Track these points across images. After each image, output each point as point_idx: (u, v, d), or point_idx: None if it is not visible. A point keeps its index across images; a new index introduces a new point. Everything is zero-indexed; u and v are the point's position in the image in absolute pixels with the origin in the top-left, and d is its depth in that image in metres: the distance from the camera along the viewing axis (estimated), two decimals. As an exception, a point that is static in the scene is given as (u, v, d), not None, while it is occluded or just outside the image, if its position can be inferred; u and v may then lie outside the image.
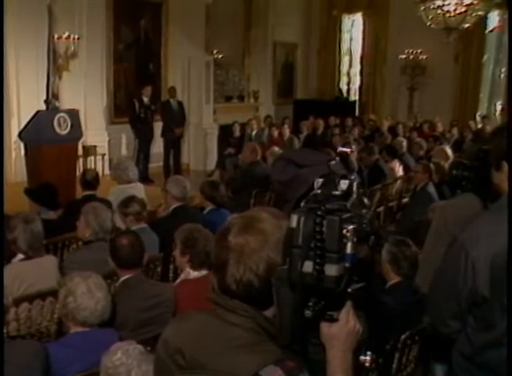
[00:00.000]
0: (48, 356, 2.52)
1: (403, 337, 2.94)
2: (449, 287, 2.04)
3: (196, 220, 4.23)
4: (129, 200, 4.58)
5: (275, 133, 11.18)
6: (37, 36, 8.43)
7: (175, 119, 10.51)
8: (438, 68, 14.26)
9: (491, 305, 1.94)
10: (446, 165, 6.44)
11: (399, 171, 8.17)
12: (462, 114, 14.06)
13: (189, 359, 1.31)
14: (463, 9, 11.06)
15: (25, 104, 8.56)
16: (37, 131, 6.96)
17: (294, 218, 1.23)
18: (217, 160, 11.42)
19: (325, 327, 1.27)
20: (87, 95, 9.71)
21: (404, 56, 14.54)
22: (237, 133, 11.39)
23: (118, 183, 5.83)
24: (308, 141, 10.94)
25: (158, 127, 10.47)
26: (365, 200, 1.32)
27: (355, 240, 1.20)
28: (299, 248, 1.21)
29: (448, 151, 7.49)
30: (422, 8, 11.34)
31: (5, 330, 2.97)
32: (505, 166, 2.03)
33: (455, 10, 11.05)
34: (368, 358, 1.31)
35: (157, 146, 10.60)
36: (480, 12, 11.41)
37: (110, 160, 9.95)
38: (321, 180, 1.30)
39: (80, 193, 5.87)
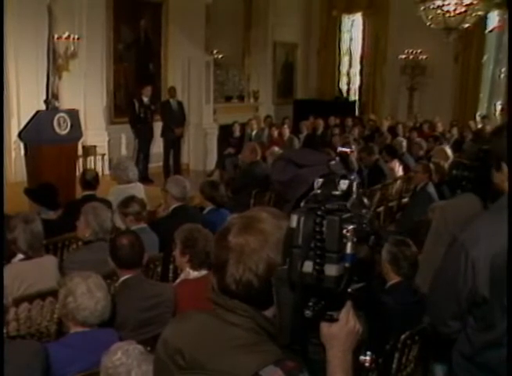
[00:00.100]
0: (48, 356, 2.52)
1: (403, 337, 2.94)
2: (449, 287, 2.04)
3: (195, 220, 4.23)
4: (129, 200, 4.58)
5: (275, 133, 11.18)
6: (37, 36, 8.43)
7: (175, 119, 10.51)
8: (438, 68, 14.26)
9: (491, 305, 1.94)
10: (446, 165, 6.43)
11: (399, 171, 8.17)
12: (462, 114, 14.06)
13: (189, 359, 1.31)
14: (463, 9, 11.06)
15: (25, 104, 8.56)
16: (37, 131, 6.96)
17: (294, 218, 1.23)
18: (217, 160, 11.41)
19: (325, 327, 1.27)
20: (87, 95, 9.71)
21: (404, 56, 14.55)
22: (237, 133, 11.39)
23: (118, 183, 5.83)
24: (308, 141, 10.94)
25: (158, 127, 10.47)
26: (365, 200, 1.32)
27: (354, 240, 1.20)
28: (299, 248, 1.21)
29: (448, 151, 7.50)
30: (422, 8, 11.34)
31: (5, 330, 2.98)
32: (504, 167, 2.03)
33: (455, 10, 11.05)
34: (368, 358, 1.31)
35: (157, 146, 10.60)
36: (480, 12, 11.41)
37: (110, 160, 9.95)
38: (321, 180, 1.30)
39: (80, 193, 5.87)
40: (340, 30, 16.08)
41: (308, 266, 1.20)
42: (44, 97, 7.46)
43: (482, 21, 13.05)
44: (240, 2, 13.73)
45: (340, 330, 1.27)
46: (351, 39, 16.28)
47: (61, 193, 5.33)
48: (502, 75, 14.10)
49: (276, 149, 7.81)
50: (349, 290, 1.24)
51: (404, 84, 14.93)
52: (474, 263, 1.94)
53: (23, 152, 7.45)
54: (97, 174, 5.93)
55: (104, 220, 4.14)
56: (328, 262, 1.19)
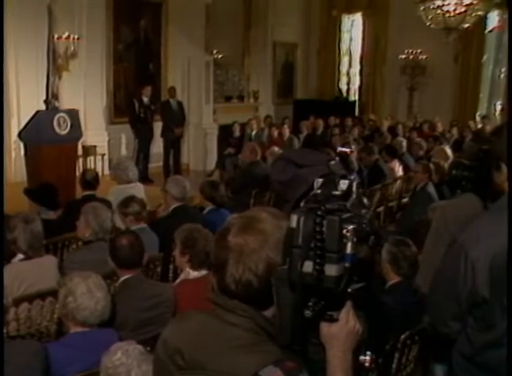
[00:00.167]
0: (48, 356, 2.52)
1: (403, 337, 2.94)
2: (449, 287, 2.04)
3: (195, 220, 4.23)
4: (129, 200, 4.58)
5: (275, 133, 11.18)
6: (37, 36, 8.43)
7: (175, 119, 10.51)
8: (438, 68, 14.26)
9: (490, 305, 1.94)
10: (446, 165, 6.43)
11: (399, 171, 8.17)
12: (462, 114, 14.06)
13: (189, 359, 1.31)
14: (463, 9, 11.06)
15: (25, 104, 8.56)
16: (36, 131, 6.96)
17: (294, 218, 1.23)
18: (217, 160, 11.42)
19: (325, 327, 1.27)
20: (87, 95, 9.72)
21: (404, 56, 14.55)
22: (237, 133, 11.39)
23: (118, 183, 5.83)
24: (308, 141, 10.93)
25: (158, 127, 10.47)
26: (365, 201, 1.32)
27: (355, 240, 1.20)
28: (299, 248, 1.21)
29: (448, 151, 7.50)
30: (422, 8, 11.34)
31: (5, 330, 2.97)
32: (504, 167, 2.03)
33: (454, 10, 11.05)
34: (368, 358, 1.31)
35: (157, 146, 10.60)
36: (479, 12, 11.41)
37: (110, 160, 9.95)
38: (321, 180, 1.30)
39: (80, 193, 5.87)
40: (340, 30, 16.08)
41: (308, 266, 1.20)
42: (44, 97, 7.46)
43: (482, 21, 13.05)
44: (240, 2, 13.73)
45: (340, 330, 1.27)
46: (351, 39, 16.28)
47: (61, 193, 5.33)
48: (502, 75, 14.10)
49: (276, 149, 7.81)
50: (349, 290, 1.24)
51: (404, 84, 14.93)
52: (474, 264, 1.93)
53: (23, 152, 7.46)
54: (97, 174, 5.93)
55: (104, 220, 4.14)
56: (328, 262, 1.19)
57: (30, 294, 3.50)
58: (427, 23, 11.48)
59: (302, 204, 1.27)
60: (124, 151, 10.77)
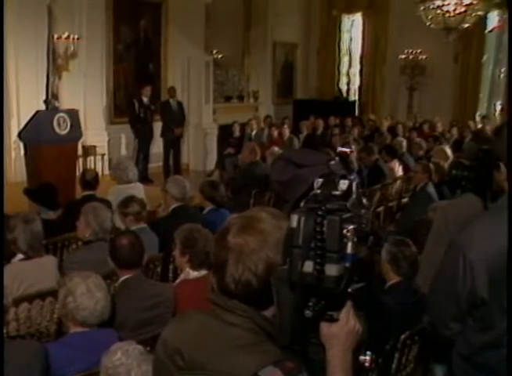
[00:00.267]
0: (48, 356, 2.52)
1: (403, 337, 2.94)
2: (449, 288, 2.04)
3: (195, 220, 4.23)
4: (129, 200, 4.58)
5: (275, 133, 11.18)
6: (36, 36, 8.43)
7: (175, 119, 10.51)
8: (438, 68, 14.26)
9: (489, 306, 1.93)
10: (446, 165, 6.43)
11: (399, 171, 8.17)
12: (461, 114, 14.06)
13: (188, 359, 1.30)
14: (463, 9, 11.06)
15: (25, 104, 8.55)
16: (36, 131, 6.96)
17: (295, 218, 1.23)
18: (216, 161, 11.41)
19: (325, 326, 1.27)
20: (86, 95, 9.71)
21: (404, 56, 14.55)
22: (237, 133, 11.39)
23: (118, 183, 5.84)
24: (308, 141, 10.93)
25: (158, 127, 10.47)
26: (364, 201, 1.32)
27: (355, 239, 1.20)
28: (299, 248, 1.21)
29: (448, 151, 7.50)
30: (422, 8, 11.34)
31: (5, 330, 2.97)
32: (503, 167, 2.03)
33: (454, 10, 11.06)
34: (368, 358, 1.31)
35: (157, 146, 10.60)
36: (479, 12, 11.41)
37: (110, 161, 9.95)
38: (321, 180, 1.30)
39: (79, 193, 5.88)
40: (339, 30, 16.08)
41: (309, 266, 1.20)
42: (44, 97, 7.47)
43: (482, 21, 13.05)
44: (240, 2, 13.73)
45: (340, 330, 1.27)
46: (350, 39, 16.28)
47: (61, 193, 5.33)
48: (502, 75, 14.10)
49: (276, 149, 7.81)
50: (349, 290, 1.24)
51: (404, 84, 14.93)
52: (472, 265, 1.93)
53: (22, 152, 7.45)
54: (97, 174, 5.93)
55: (104, 220, 4.14)
56: (328, 261, 1.19)
57: (30, 294, 3.50)
58: (427, 23, 11.48)
59: (302, 204, 1.27)
60: (123, 151, 10.77)
